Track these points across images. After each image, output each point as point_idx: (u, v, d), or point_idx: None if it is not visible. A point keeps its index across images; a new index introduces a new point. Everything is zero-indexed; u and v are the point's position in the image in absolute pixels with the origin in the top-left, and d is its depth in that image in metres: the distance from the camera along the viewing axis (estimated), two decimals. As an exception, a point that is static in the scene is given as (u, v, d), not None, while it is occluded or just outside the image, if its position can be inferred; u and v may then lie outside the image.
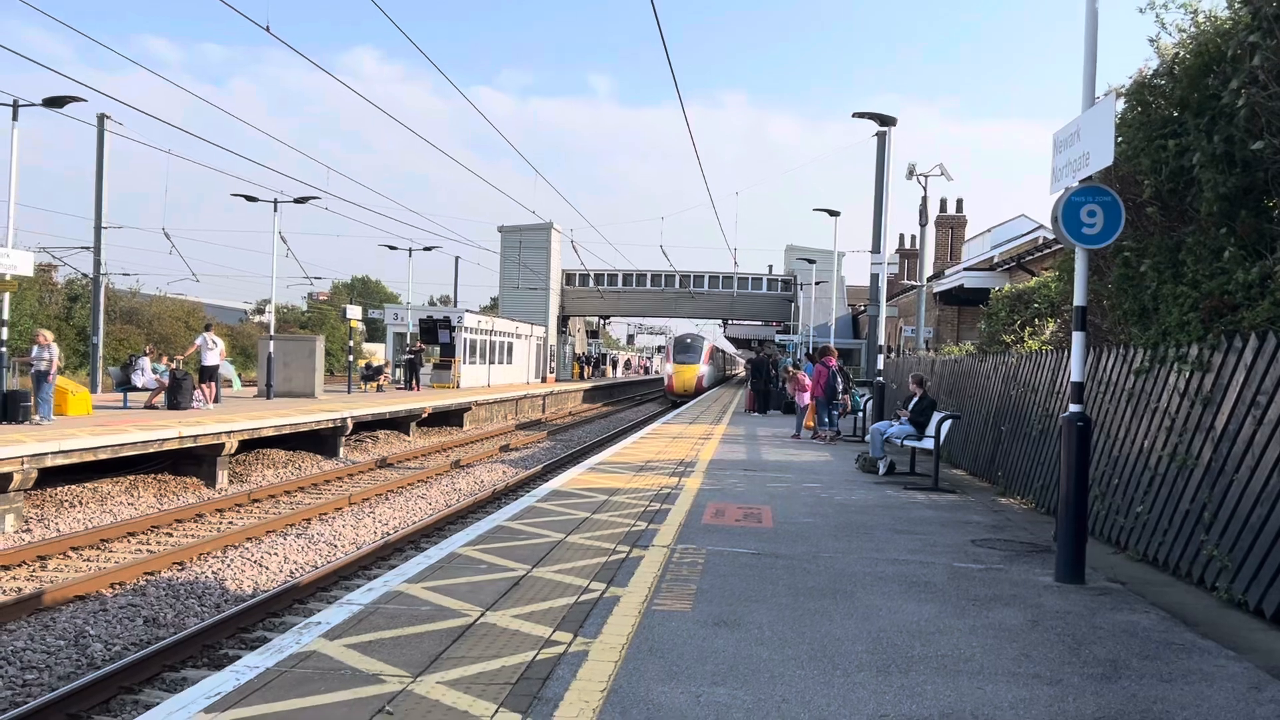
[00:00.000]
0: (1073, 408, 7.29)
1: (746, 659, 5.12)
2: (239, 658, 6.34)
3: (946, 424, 13.03)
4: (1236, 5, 8.07)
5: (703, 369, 52.59)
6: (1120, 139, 9.17)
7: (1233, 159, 7.43)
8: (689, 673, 4.85)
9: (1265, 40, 7.16)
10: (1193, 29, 8.76)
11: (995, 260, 30.62)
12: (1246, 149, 7.17)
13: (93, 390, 30.45)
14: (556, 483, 12.04)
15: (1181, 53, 8.58)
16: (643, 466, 13.85)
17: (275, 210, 29.93)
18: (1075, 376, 7.35)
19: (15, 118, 18.57)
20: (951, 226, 44.56)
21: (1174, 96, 8.41)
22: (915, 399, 14.13)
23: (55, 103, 18.70)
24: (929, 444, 13.08)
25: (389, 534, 14.67)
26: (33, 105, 18.48)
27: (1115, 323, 9.51)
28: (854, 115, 18.79)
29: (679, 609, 6.07)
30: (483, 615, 5.80)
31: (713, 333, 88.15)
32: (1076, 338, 7.40)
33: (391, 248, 40.11)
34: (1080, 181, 7.29)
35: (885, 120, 19.03)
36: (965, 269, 31.16)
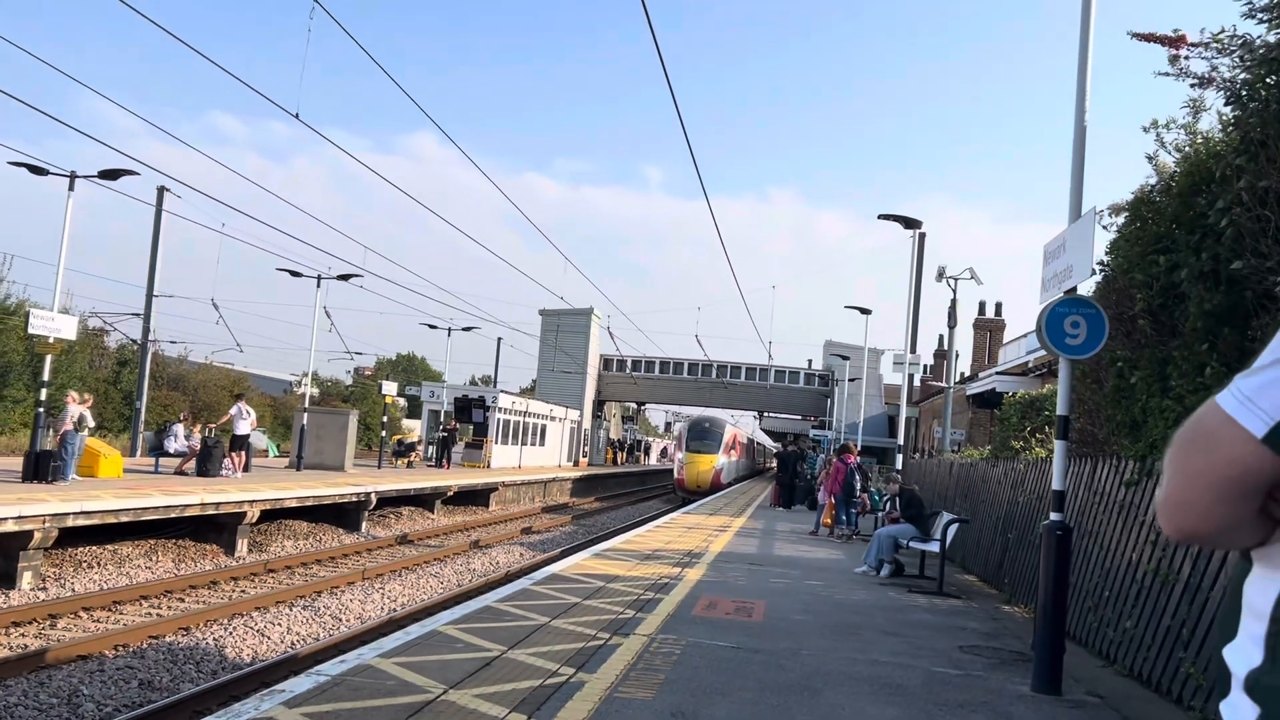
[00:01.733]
0: (1053, 516, 7.33)
1: (693, 750, 5.16)
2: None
3: (953, 528, 12.97)
4: (1229, 129, 8.27)
5: (722, 460, 43.26)
6: (1118, 252, 9.32)
7: (1219, 277, 7.54)
8: (630, 760, 4.91)
9: (1250, 164, 7.32)
10: (1189, 149, 8.96)
11: (1030, 365, 30.53)
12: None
13: (133, 453, 31.09)
14: (557, 567, 12.12)
15: (1177, 171, 8.77)
16: (649, 555, 13.89)
17: (318, 286, 30.78)
18: (1056, 485, 7.40)
19: (71, 188, 19.41)
20: (990, 329, 44.49)
21: (1167, 213, 8.57)
22: (895, 497, 14.37)
23: (110, 175, 19.54)
24: (935, 547, 13.01)
25: (395, 610, 14.76)
26: (89, 178, 19.31)
27: (1110, 433, 9.54)
28: (880, 217, 19.11)
29: (640, 697, 6.13)
30: (445, 693, 5.90)
31: (750, 425, 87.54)
32: (1058, 446, 7.47)
33: (431, 326, 40.86)
34: (1065, 293, 7.43)
35: (911, 223, 19.30)
36: (998, 373, 31.08)
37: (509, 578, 18.51)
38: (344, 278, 30.39)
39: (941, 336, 49.17)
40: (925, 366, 53.39)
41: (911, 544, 13.92)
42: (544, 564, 20.38)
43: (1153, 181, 9.40)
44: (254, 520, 19.32)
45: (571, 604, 9.38)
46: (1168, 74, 8.88)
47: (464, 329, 40.13)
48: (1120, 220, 9.69)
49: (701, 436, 43.46)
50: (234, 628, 12.57)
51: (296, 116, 14.58)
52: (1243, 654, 1.20)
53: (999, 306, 44.19)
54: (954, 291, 23.26)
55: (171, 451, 23.81)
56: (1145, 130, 9.68)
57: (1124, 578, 8.40)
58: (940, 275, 23.28)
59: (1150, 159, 9.38)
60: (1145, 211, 9.09)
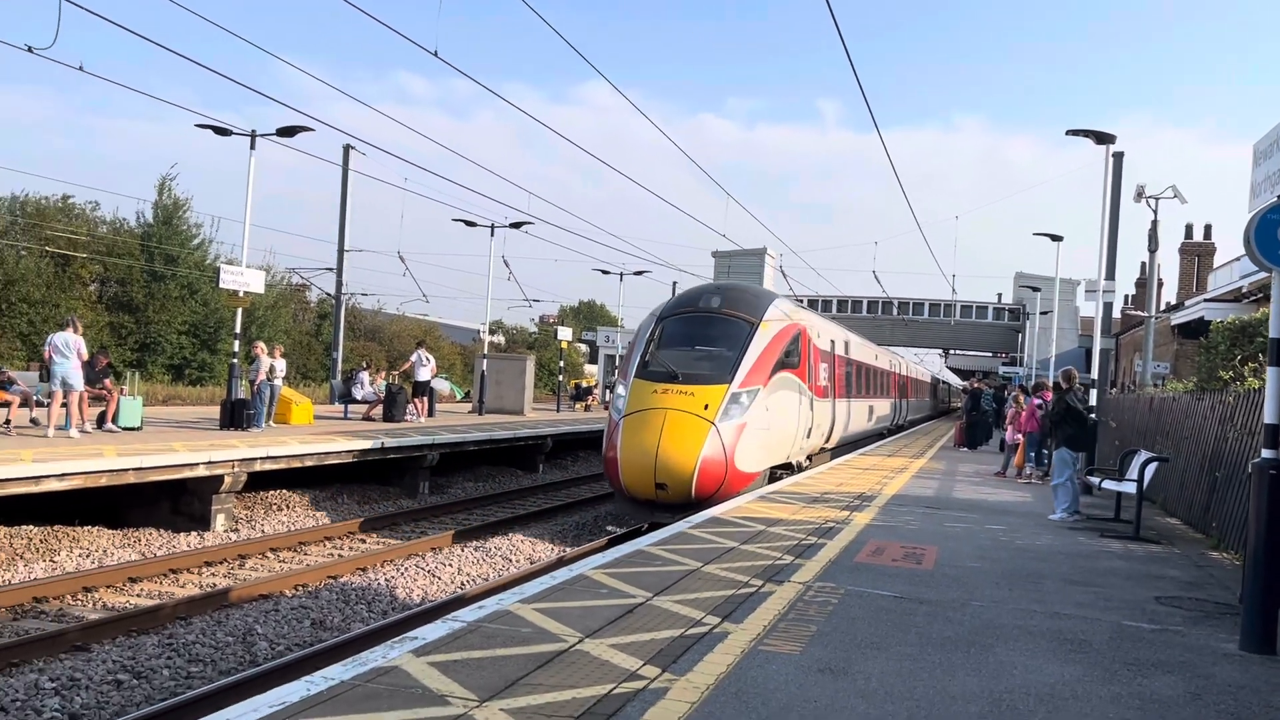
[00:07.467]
0: (1265, 453, 6.43)
1: (838, 711, 4.73)
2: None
3: (1151, 466, 11.88)
4: None
5: (747, 404, 15.26)
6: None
7: None
8: (766, 721, 4.52)
9: None
10: None
11: (1243, 290, 27.95)
12: None
13: (333, 401, 32.66)
14: (718, 510, 11.78)
15: None
16: (817, 498, 13.36)
17: (492, 235, 31.29)
18: (1269, 418, 6.48)
19: (253, 146, 20.18)
20: (1198, 254, 41.12)
21: None
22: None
23: (288, 132, 20.17)
24: (1132, 488, 11.96)
25: (565, 552, 14.82)
26: (268, 136, 20.01)
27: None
28: (1068, 133, 17.61)
29: (786, 651, 5.72)
30: (580, 642, 5.66)
31: (936, 364, 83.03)
32: (1271, 374, 6.53)
33: (604, 272, 41.04)
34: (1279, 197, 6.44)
35: (1103, 138, 17.72)
36: (1207, 300, 28.62)
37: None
38: (515, 225, 30.77)
39: (1143, 264, 45.89)
40: (1126, 297, 50.09)
41: (1106, 484, 12.88)
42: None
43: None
44: (434, 464, 19.82)
45: (728, 549, 9.02)
46: None
47: (635, 273, 40.16)
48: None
49: (684, 339, 16.39)
50: (407, 568, 12.86)
51: (435, 54, 14.62)
52: None
53: (1208, 229, 40.75)
54: (1155, 212, 21.37)
55: (359, 398, 24.74)
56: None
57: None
58: (1139, 195, 21.41)
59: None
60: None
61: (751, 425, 15.10)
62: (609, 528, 15.67)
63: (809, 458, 19.64)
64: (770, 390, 15.80)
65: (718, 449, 14.44)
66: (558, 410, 35.06)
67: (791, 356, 16.92)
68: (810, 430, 18.41)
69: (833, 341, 21.82)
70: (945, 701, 5.00)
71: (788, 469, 17.63)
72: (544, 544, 15.42)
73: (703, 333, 16.20)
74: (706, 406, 14.69)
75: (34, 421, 16.29)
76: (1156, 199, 21.21)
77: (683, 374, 15.19)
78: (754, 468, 15.33)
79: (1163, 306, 38.30)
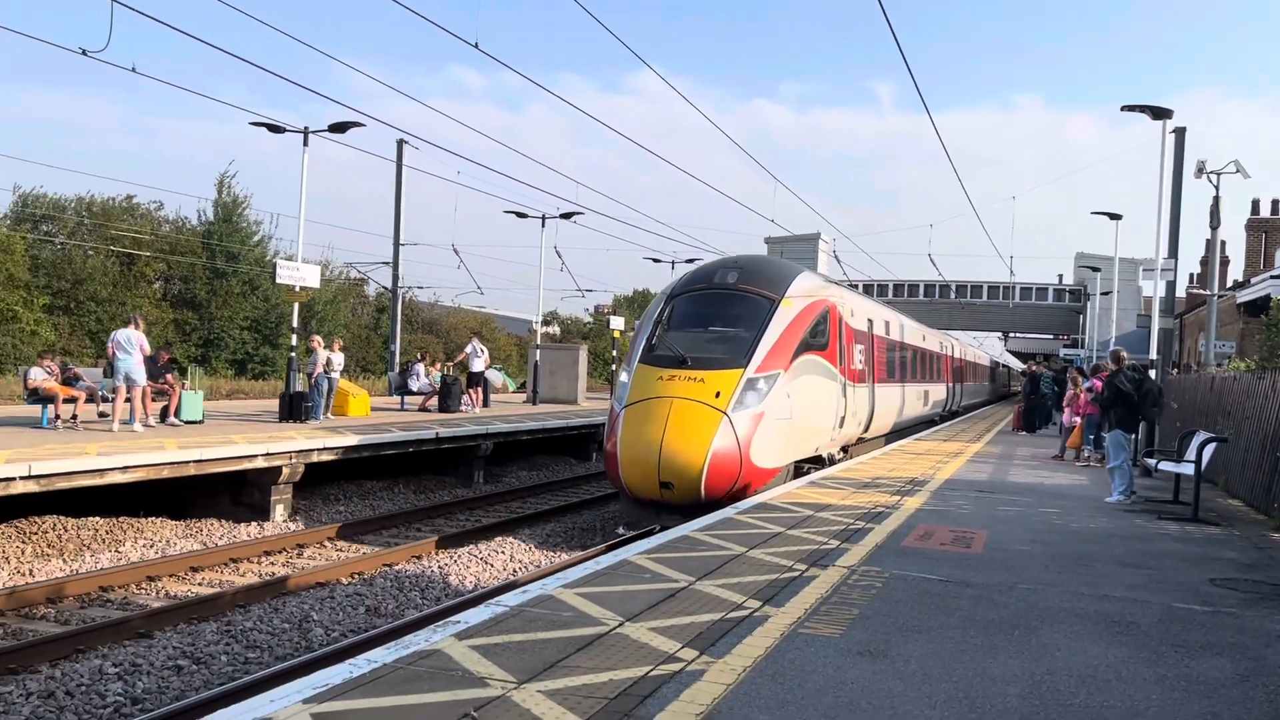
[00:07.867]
0: (1319, 432, 6.28)
1: (874, 693, 4.73)
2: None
3: (1210, 447, 11.63)
4: None
5: (762, 395, 13.67)
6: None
7: None
8: (801, 703, 4.54)
9: None
10: None
11: (1312, 266, 27.20)
12: None
13: (391, 393, 33.13)
14: (765, 495, 11.78)
15: None
16: (867, 483, 13.29)
17: (543, 226, 31.47)
18: (1323, 396, 6.33)
19: (305, 143, 20.52)
20: (1265, 230, 40.07)
21: None
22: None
23: (339, 128, 20.50)
24: (1188, 469, 11.74)
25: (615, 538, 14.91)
26: (319, 133, 20.33)
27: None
28: (1123, 109, 17.23)
29: (826, 634, 5.72)
30: (620, 625, 5.72)
31: (996, 347, 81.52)
32: (1325, 351, 6.37)
33: (655, 260, 41.07)
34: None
35: (1160, 113, 17.31)
36: (1273, 277, 27.91)
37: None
38: (566, 216, 30.93)
39: (1207, 241, 44.83)
40: (1191, 275, 48.94)
41: (1163, 466, 12.65)
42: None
43: None
44: (488, 453, 20.03)
45: (773, 534, 9.03)
46: None
47: (686, 261, 40.10)
48: None
49: (695, 319, 14.99)
50: (460, 555, 13.04)
51: (475, 46, 14.79)
52: None
53: (1275, 204, 39.64)
54: (1216, 188, 20.83)
55: (414, 390, 25.07)
56: None
57: None
58: (1200, 170, 20.87)
59: None
60: None
61: (770, 415, 13.60)
62: (619, 530, 14.38)
63: (844, 449, 18.15)
64: (793, 375, 14.27)
65: (730, 442, 12.95)
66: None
67: (819, 337, 15.41)
68: (843, 419, 16.79)
69: (870, 321, 20.05)
70: (984, 683, 4.98)
71: (817, 463, 16.05)
72: (594, 531, 15.54)
73: (716, 312, 14.78)
74: (718, 394, 13.28)
75: (102, 415, 16.76)
76: (1218, 174, 20.67)
77: (692, 358, 13.71)
78: (773, 463, 13.87)
79: (1229, 284, 37.41)
